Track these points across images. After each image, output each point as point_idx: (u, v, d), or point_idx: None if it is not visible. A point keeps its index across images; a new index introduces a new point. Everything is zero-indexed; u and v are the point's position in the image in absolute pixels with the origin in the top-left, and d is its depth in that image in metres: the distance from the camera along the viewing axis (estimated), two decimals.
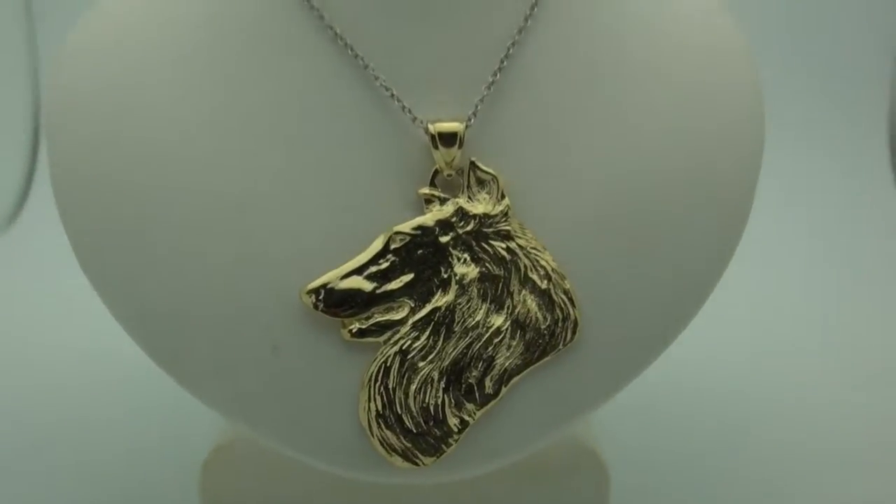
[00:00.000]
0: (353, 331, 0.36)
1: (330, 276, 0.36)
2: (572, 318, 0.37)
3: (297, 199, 0.37)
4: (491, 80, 0.38)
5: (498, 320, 0.36)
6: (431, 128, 0.37)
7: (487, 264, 0.36)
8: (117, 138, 0.38)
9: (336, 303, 0.36)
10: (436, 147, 0.37)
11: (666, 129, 0.39)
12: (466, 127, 0.37)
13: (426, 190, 0.37)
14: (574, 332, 0.37)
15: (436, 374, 0.36)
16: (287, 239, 0.37)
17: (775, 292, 0.76)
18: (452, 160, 0.37)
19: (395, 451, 0.36)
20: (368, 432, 0.36)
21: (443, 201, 0.37)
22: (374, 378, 0.36)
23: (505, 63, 0.38)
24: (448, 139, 0.37)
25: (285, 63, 0.38)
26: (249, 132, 0.38)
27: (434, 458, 0.36)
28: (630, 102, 0.39)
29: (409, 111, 0.37)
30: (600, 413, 0.45)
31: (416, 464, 0.36)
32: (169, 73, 0.39)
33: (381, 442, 0.36)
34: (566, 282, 0.37)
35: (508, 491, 0.44)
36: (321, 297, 0.36)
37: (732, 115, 0.41)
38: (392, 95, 0.37)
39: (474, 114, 0.37)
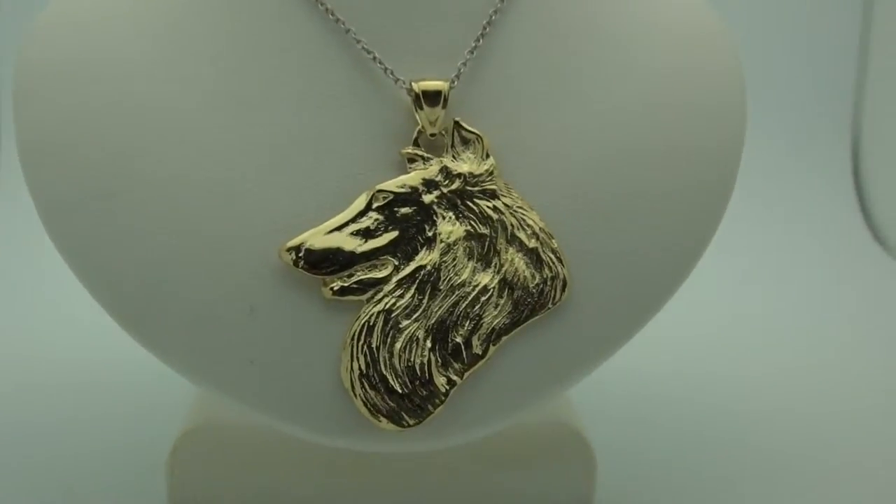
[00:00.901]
0: (335, 289, 0.35)
1: (310, 234, 0.35)
2: (561, 276, 0.36)
3: (277, 160, 0.36)
4: (474, 44, 0.38)
5: (485, 278, 0.35)
6: (415, 86, 0.36)
7: (473, 223, 0.35)
8: (89, 106, 0.37)
9: (317, 260, 0.34)
10: (420, 107, 0.36)
11: (646, 105, 0.39)
12: (451, 87, 0.36)
13: (409, 149, 0.36)
14: (563, 291, 0.36)
15: (421, 333, 0.35)
16: (265, 199, 0.35)
17: (764, 282, 0.79)
18: (436, 119, 0.36)
19: (379, 412, 0.34)
20: (351, 393, 0.34)
21: (426, 160, 0.36)
22: (356, 337, 0.34)
23: (487, 29, 0.38)
24: (432, 98, 0.36)
25: (264, 28, 0.38)
26: (226, 95, 0.37)
27: (419, 419, 0.34)
28: (609, 75, 0.39)
29: (392, 72, 0.37)
30: (585, 396, 0.44)
31: (402, 425, 0.34)
32: (147, 44, 0.38)
33: (364, 402, 0.34)
34: (554, 241, 0.36)
35: (494, 474, 0.42)
36: (301, 255, 0.34)
37: (714, 95, 0.41)
38: (374, 58, 0.37)
39: (457, 76, 0.37)
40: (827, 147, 0.98)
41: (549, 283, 0.35)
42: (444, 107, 0.36)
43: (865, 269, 0.86)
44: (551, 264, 0.36)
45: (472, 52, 0.38)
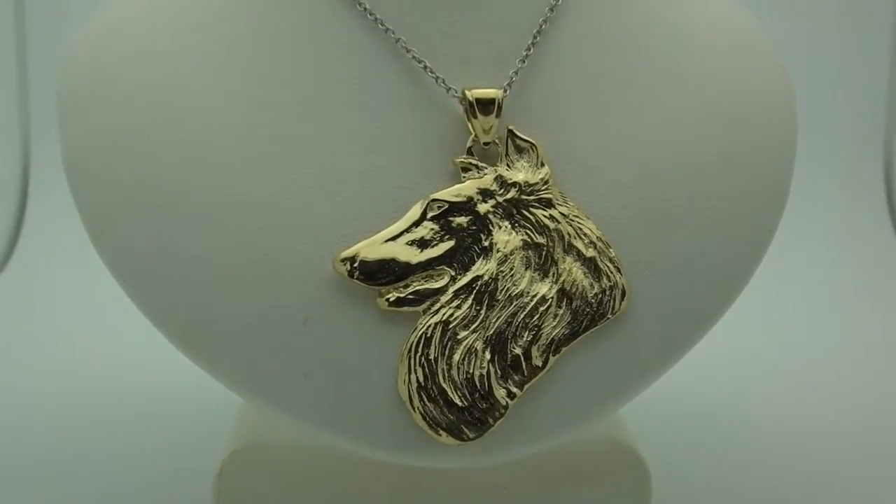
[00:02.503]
0: (391, 300, 0.34)
1: (365, 244, 0.34)
2: (620, 286, 0.35)
3: (330, 171, 0.36)
4: (525, 53, 0.37)
5: (543, 288, 0.34)
6: (469, 94, 0.35)
7: (529, 232, 0.35)
8: (133, 122, 0.36)
9: (372, 271, 0.34)
10: (473, 115, 0.35)
11: (696, 113, 0.39)
12: (504, 95, 0.36)
13: (463, 158, 0.36)
14: (622, 301, 0.35)
15: (479, 345, 0.34)
16: (316, 209, 0.35)
17: (796, 297, 0.78)
18: (490, 128, 0.36)
19: (438, 425, 0.33)
20: (409, 406, 0.33)
21: (480, 170, 0.35)
22: (413, 349, 0.34)
23: (537, 38, 0.37)
24: (486, 106, 0.35)
25: (311, 38, 0.37)
26: (273, 105, 0.36)
27: (480, 433, 0.33)
28: (657, 84, 0.39)
29: (443, 81, 0.36)
30: (638, 414, 0.43)
31: (462, 439, 0.33)
32: (192, 57, 0.38)
33: (423, 416, 0.33)
34: (611, 250, 0.35)
35: (548, 493, 0.41)
36: (356, 265, 0.34)
37: (762, 104, 0.41)
38: (425, 67, 0.36)
39: (509, 85, 0.36)
40: (858, 155, 0.97)
41: (608, 292, 0.35)
42: (497, 115, 0.36)
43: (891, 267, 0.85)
44: (610, 274, 0.35)
45: (523, 61, 0.37)
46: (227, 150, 0.36)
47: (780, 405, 0.59)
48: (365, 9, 0.37)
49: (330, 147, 0.36)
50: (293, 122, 0.36)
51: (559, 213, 0.35)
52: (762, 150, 0.39)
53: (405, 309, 0.34)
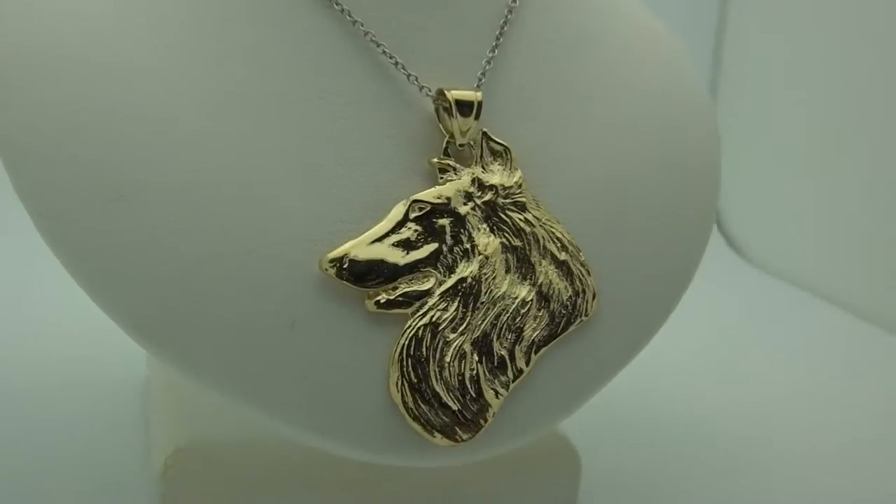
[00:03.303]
0: (381, 301, 0.34)
1: (351, 245, 0.34)
2: (591, 289, 0.37)
3: (303, 166, 0.34)
4: (490, 54, 0.38)
5: (522, 291, 0.35)
6: (450, 95, 0.36)
7: (507, 235, 0.36)
8: (86, 102, 0.34)
9: (361, 272, 0.33)
10: (452, 116, 0.36)
11: (643, 123, 0.41)
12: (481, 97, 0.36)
13: (441, 159, 0.36)
14: (593, 303, 0.36)
15: (468, 347, 0.34)
16: (295, 205, 0.34)
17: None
18: (468, 130, 0.36)
19: (433, 427, 0.34)
20: (403, 408, 0.33)
21: (458, 171, 0.36)
22: (405, 351, 0.34)
23: (501, 39, 0.38)
24: (465, 108, 0.36)
25: (277, 24, 0.36)
26: (242, 95, 0.35)
27: (473, 433, 0.34)
28: (608, 93, 0.41)
29: (416, 79, 0.36)
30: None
31: (455, 440, 0.34)
32: (153, 39, 0.35)
33: (417, 418, 0.33)
34: (581, 254, 0.37)
35: (484, 481, 0.42)
36: (345, 267, 0.33)
37: (694, 118, 0.43)
38: (396, 63, 0.36)
39: (478, 86, 0.37)
40: None
41: (581, 295, 0.36)
42: (476, 118, 0.36)
43: (723, 276, 0.92)
44: (581, 277, 0.36)
45: (489, 62, 0.38)
46: (192, 137, 0.34)
47: (711, 395, 0.63)
48: (332, 0, 0.36)
49: (299, 142, 0.35)
50: (260, 113, 0.35)
51: (533, 216, 0.36)
52: (696, 161, 0.42)
53: (394, 311, 0.34)
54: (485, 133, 0.36)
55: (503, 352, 0.34)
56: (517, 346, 0.35)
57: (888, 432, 0.60)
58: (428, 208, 0.35)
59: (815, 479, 0.53)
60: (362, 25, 0.36)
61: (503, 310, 0.35)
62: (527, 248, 0.36)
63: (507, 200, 0.36)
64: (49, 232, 0.32)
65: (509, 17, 0.39)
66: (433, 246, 0.34)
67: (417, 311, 0.34)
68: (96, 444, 0.48)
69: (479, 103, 0.36)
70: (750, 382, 0.67)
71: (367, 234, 0.34)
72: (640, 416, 0.58)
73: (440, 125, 0.36)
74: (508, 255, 0.35)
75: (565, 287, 0.36)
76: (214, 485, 0.39)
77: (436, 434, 0.33)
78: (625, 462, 0.52)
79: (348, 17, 0.36)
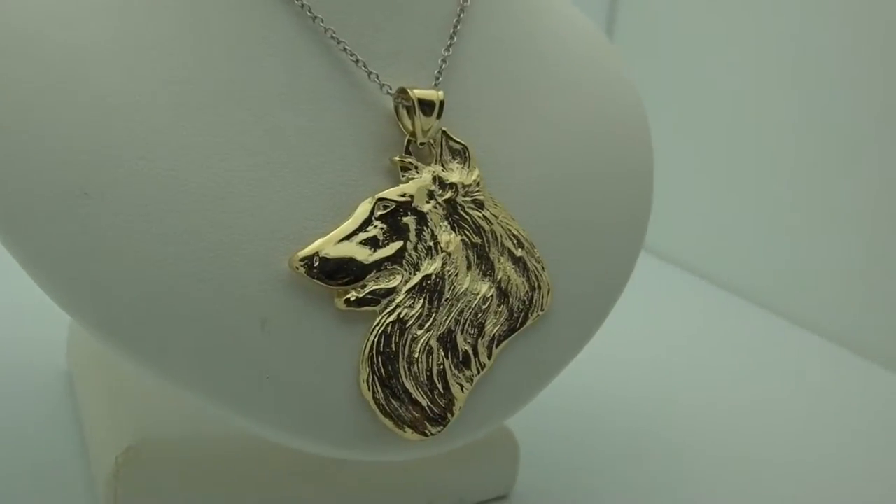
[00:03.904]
0: (351, 299, 0.34)
1: (321, 244, 0.34)
2: (546, 284, 0.38)
3: (267, 163, 0.34)
4: (445, 53, 0.38)
5: (483, 287, 0.36)
6: (412, 94, 0.36)
7: (467, 232, 0.37)
8: (43, 90, 0.33)
9: (332, 270, 0.34)
10: (415, 114, 0.36)
11: (584, 121, 0.43)
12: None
13: (402, 157, 0.36)
14: (548, 298, 0.38)
15: (434, 342, 0.35)
16: (261, 202, 0.34)
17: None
18: (429, 129, 0.37)
19: (404, 422, 0.34)
20: (374, 405, 0.34)
21: (419, 169, 0.36)
22: (374, 348, 0.34)
23: (455, 39, 0.39)
24: (428, 107, 0.36)
25: (240, 22, 0.36)
26: (204, 89, 0.35)
27: (441, 427, 0.35)
28: (551, 91, 0.42)
29: (377, 77, 0.36)
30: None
31: (425, 434, 0.35)
32: (113, 30, 0.34)
33: (388, 414, 0.34)
34: (536, 250, 0.38)
35: (427, 467, 0.43)
36: (316, 265, 0.33)
37: (626, 115, 0.45)
38: (357, 61, 0.36)
39: (435, 84, 0.38)
40: None
41: (537, 290, 0.38)
42: (438, 117, 0.37)
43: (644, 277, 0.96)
44: (537, 273, 0.38)
45: (444, 61, 0.38)
46: (155, 132, 0.33)
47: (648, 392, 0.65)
48: None
49: (262, 137, 0.35)
50: (220, 108, 0.34)
51: (491, 214, 0.37)
52: (632, 161, 0.44)
53: (364, 308, 0.34)
54: (444, 132, 0.37)
55: (467, 347, 0.35)
56: (479, 341, 0.36)
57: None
58: (392, 206, 0.35)
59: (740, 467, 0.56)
60: (322, 21, 0.36)
61: (466, 306, 0.36)
62: (486, 245, 0.37)
63: (467, 198, 0.37)
64: (6, 231, 0.31)
65: (462, 16, 0.40)
66: (399, 244, 0.35)
67: (385, 308, 0.34)
68: (19, 441, 0.46)
69: (442, 102, 0.36)
70: (677, 374, 0.71)
71: (334, 232, 0.34)
72: (576, 408, 0.61)
73: (399, 123, 0.36)
74: (469, 252, 0.36)
75: (522, 283, 0.37)
76: (168, 481, 0.38)
77: (406, 429, 0.34)
78: (560, 449, 0.54)
79: (308, 13, 0.36)
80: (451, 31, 0.39)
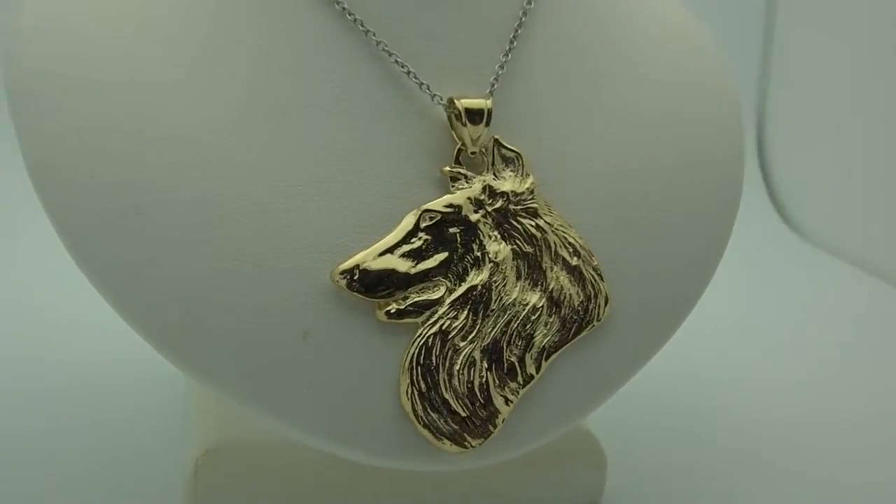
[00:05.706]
0: (392, 312, 0.34)
1: (362, 256, 0.34)
2: (603, 293, 0.37)
3: (317, 178, 0.35)
4: (503, 59, 0.38)
5: (533, 297, 0.36)
6: (458, 104, 0.36)
7: (518, 241, 0.36)
8: (105, 122, 0.35)
9: (372, 283, 0.34)
10: (462, 124, 0.36)
11: (661, 117, 0.41)
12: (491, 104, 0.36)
13: (452, 168, 0.36)
14: (606, 307, 0.37)
15: (478, 354, 0.35)
16: (308, 218, 0.35)
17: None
18: (478, 138, 0.36)
19: (442, 434, 0.34)
20: (413, 416, 0.34)
21: (469, 179, 0.36)
22: (414, 359, 0.34)
23: (515, 43, 0.38)
24: (475, 116, 0.36)
25: (290, 38, 0.37)
26: (256, 110, 0.36)
27: (482, 439, 0.35)
28: (624, 88, 0.41)
29: (428, 88, 0.36)
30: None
31: (465, 447, 0.34)
32: (169, 57, 0.36)
33: (427, 426, 0.34)
34: (594, 258, 0.37)
35: (508, 477, 0.43)
36: (356, 278, 0.34)
37: (715, 109, 0.43)
38: (408, 72, 0.36)
39: (490, 92, 0.37)
40: None
41: (592, 300, 0.36)
42: (487, 125, 0.36)
43: (774, 249, 0.91)
44: (594, 282, 0.37)
45: (501, 67, 0.38)
46: (210, 153, 0.35)
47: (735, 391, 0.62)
48: (344, 8, 0.37)
49: (314, 153, 0.35)
50: (275, 126, 0.36)
51: (545, 222, 0.36)
52: (717, 156, 0.41)
53: (405, 320, 0.35)
54: (496, 140, 0.36)
55: (513, 358, 0.35)
56: (527, 353, 0.35)
57: None
58: (438, 217, 0.35)
59: (853, 464, 0.52)
60: (374, 35, 0.37)
61: (513, 317, 0.35)
62: (538, 254, 0.36)
63: (519, 207, 0.36)
64: (75, 250, 0.34)
65: (524, 19, 0.39)
66: (443, 255, 0.35)
67: (427, 319, 0.35)
68: (142, 445, 0.50)
69: (489, 111, 0.36)
70: (791, 363, 0.66)
71: (377, 244, 0.35)
72: (669, 405, 0.58)
73: (452, 133, 0.36)
74: (520, 261, 0.36)
75: (577, 292, 0.36)
76: (244, 485, 0.40)
77: (445, 441, 0.34)
78: (651, 455, 0.52)
79: (360, 27, 0.37)
80: (511, 36, 0.38)
